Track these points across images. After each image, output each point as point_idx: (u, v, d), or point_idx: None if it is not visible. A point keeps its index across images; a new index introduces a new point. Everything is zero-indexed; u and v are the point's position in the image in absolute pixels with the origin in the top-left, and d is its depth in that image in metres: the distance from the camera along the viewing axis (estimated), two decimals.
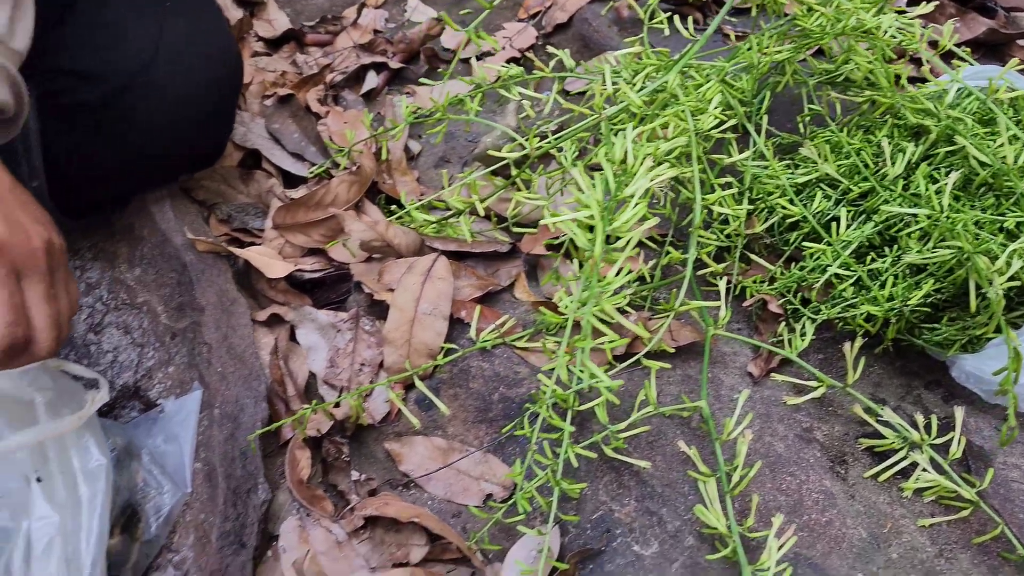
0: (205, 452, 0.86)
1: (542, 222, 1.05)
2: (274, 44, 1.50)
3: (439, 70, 1.44)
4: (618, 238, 0.70)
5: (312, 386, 0.98)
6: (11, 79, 0.70)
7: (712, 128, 0.91)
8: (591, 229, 0.68)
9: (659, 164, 0.77)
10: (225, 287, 1.00)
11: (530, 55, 1.43)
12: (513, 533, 0.83)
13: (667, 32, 1.11)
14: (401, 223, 1.06)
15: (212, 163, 1.13)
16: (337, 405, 0.91)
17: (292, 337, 1.02)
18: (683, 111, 0.88)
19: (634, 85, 0.98)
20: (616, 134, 0.80)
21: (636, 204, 0.70)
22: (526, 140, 0.97)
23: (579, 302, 0.71)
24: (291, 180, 1.19)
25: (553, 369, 0.89)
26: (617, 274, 0.69)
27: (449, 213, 1.10)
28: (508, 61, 1.42)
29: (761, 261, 0.97)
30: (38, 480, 0.64)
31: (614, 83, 0.91)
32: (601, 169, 0.72)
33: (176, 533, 0.81)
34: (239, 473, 0.85)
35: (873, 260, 0.91)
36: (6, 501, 0.63)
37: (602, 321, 0.71)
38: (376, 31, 1.52)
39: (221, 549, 0.79)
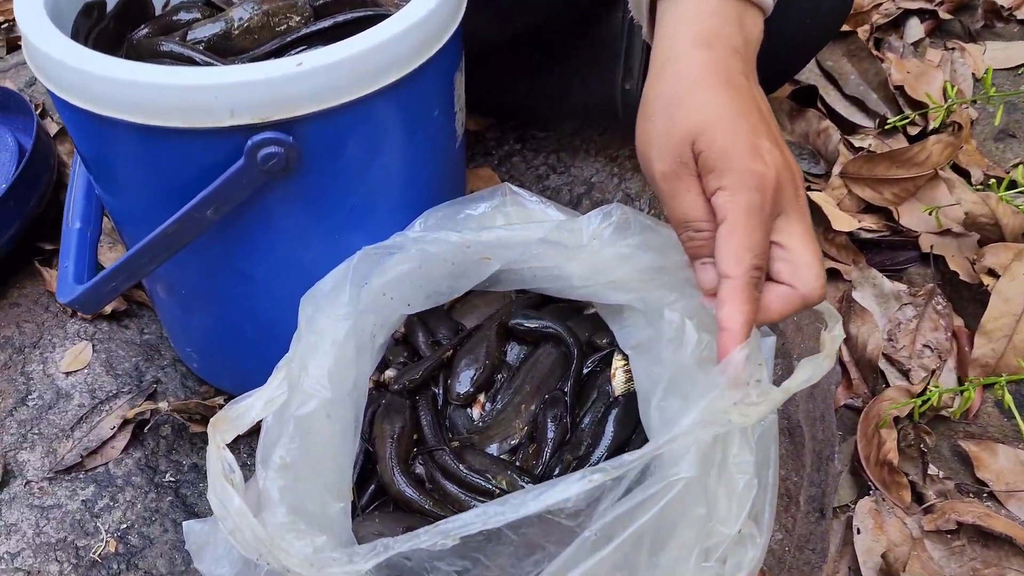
0: (784, 406, 0.81)
1: None
2: None
3: (995, 28, 1.28)
4: None
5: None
6: None
7: None
8: None
9: None
10: None
11: None
12: None
13: None
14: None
15: (771, 92, 1.07)
16: (927, 388, 0.83)
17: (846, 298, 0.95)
18: None
19: None
20: None
21: None
22: None
23: None
24: (842, 125, 1.10)
25: None
26: None
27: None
28: None
29: None
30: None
31: None
32: None
33: None
34: (820, 436, 0.80)
35: None
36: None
37: None
38: None
39: (807, 515, 0.75)
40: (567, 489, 0.50)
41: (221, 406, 0.83)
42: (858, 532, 0.77)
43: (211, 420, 0.61)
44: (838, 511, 0.81)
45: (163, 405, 0.83)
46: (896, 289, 0.93)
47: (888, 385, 0.88)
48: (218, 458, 0.58)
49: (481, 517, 0.50)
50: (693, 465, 0.52)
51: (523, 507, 0.50)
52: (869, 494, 0.80)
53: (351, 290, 0.63)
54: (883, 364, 0.89)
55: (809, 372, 0.55)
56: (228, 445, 0.82)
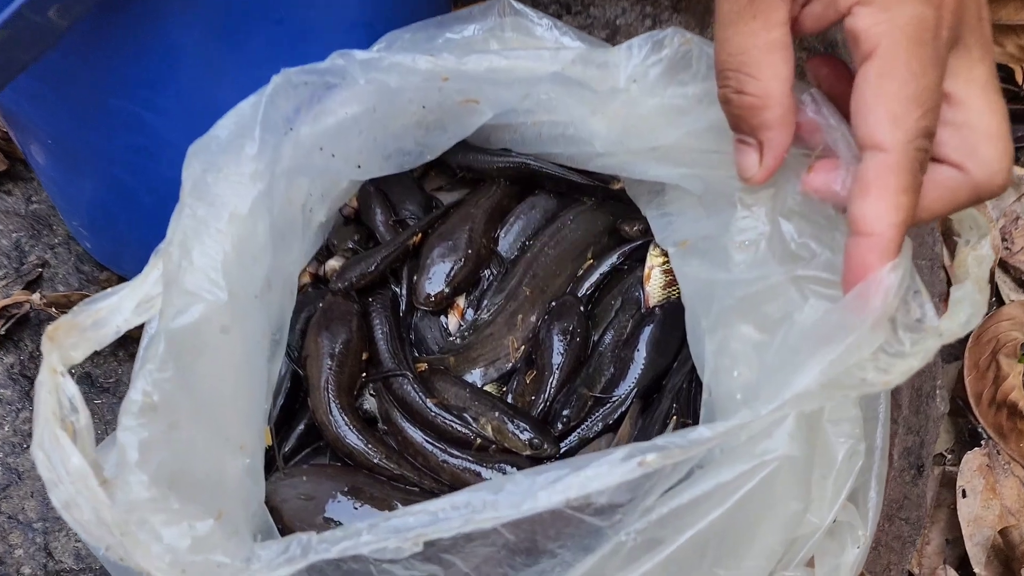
0: None
1: None
2: None
3: None
4: None
5: None
6: None
7: None
8: None
9: None
10: None
11: None
12: None
13: None
14: None
15: None
16: None
17: None
18: None
19: None
20: None
21: None
22: None
23: None
24: None
25: None
26: None
27: None
28: None
29: None
30: None
31: None
32: None
33: None
34: None
35: None
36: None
37: None
38: None
39: (901, 472, 0.57)
40: (604, 475, 0.32)
41: None
42: (963, 495, 0.60)
43: (48, 328, 0.42)
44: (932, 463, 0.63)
45: (35, 297, 0.64)
46: (1015, 174, 0.74)
47: (1001, 300, 0.69)
48: (52, 389, 0.39)
49: (461, 512, 0.33)
50: (791, 440, 0.33)
51: (528, 499, 0.32)
52: (979, 445, 0.62)
53: (263, 136, 0.43)
54: (996, 272, 0.70)
55: (968, 311, 0.36)
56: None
